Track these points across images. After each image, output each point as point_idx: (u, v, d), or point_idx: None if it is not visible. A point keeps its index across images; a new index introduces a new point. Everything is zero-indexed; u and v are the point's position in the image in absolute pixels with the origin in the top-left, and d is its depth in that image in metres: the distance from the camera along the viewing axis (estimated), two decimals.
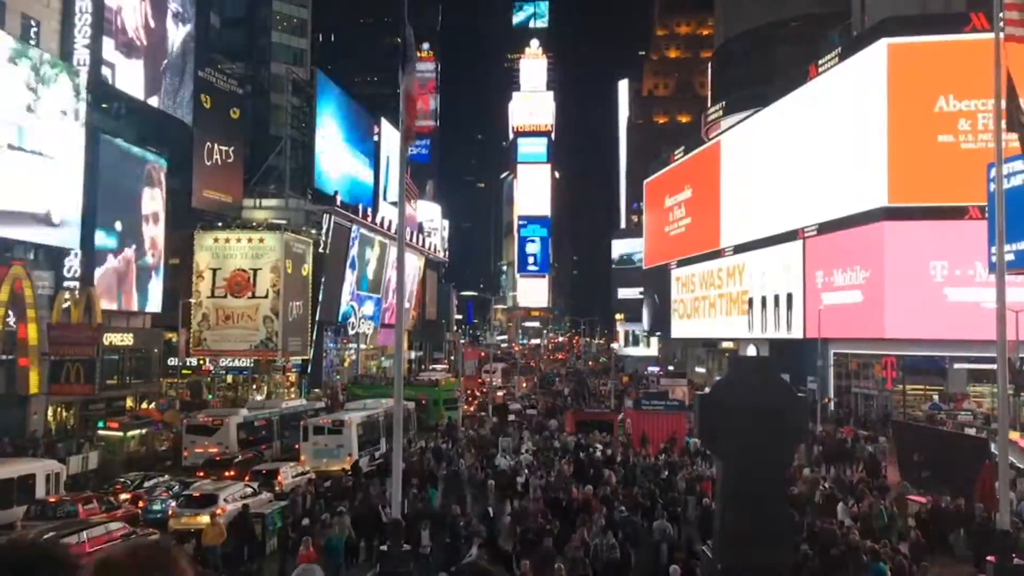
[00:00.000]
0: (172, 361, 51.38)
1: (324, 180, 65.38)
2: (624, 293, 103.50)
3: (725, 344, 64.60)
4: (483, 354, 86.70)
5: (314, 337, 59.55)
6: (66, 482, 26.70)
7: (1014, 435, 23.29)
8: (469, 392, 61.89)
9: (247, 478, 27.10)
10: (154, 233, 47.82)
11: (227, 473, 28.65)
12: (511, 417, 47.25)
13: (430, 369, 79.55)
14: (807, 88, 48.98)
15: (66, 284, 40.11)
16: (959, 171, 38.25)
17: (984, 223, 30.79)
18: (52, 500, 22.65)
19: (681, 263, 70.98)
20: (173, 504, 23.66)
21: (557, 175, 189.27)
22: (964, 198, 37.83)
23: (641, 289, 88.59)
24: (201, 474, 29.22)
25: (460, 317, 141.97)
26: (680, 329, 72.83)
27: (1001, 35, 15.14)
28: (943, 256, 40.06)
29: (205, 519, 21.05)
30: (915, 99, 40.84)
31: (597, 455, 29.87)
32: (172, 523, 22.07)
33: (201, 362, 53.94)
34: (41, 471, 24.58)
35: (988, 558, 15.25)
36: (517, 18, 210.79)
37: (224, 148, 56.09)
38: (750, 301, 56.87)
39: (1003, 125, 15.22)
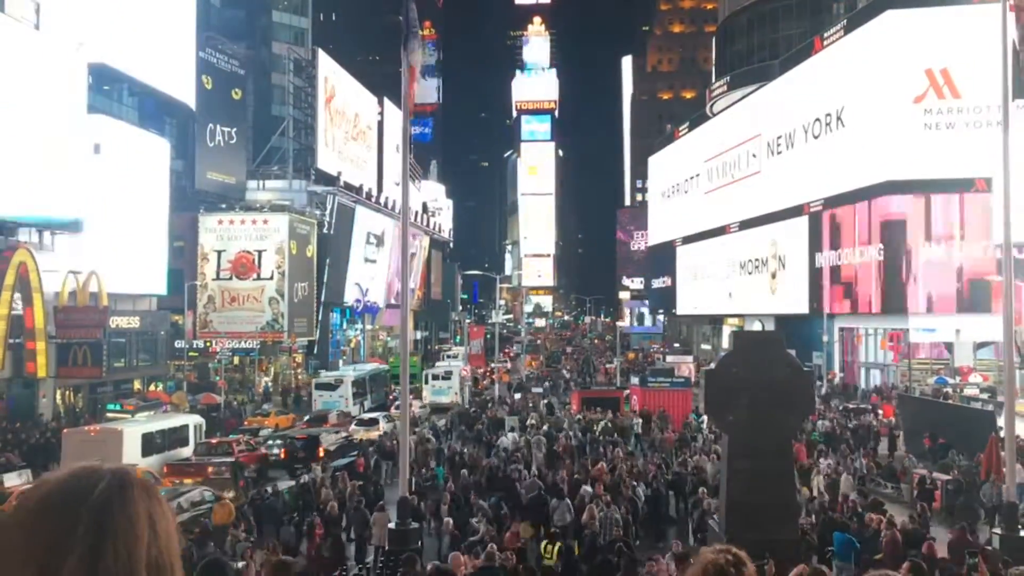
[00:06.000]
0: (179, 343, 51.51)
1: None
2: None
3: (731, 320, 64.52)
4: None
5: (320, 318, 59.65)
6: None
7: (1021, 407, 23.25)
8: (484, 372, 61.78)
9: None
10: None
11: (327, 423, 35.41)
12: (517, 396, 47.26)
13: (437, 349, 79.51)
14: (812, 61, 48.55)
15: (71, 267, 40.05)
16: (965, 143, 37.97)
17: (990, 195, 30.61)
18: (215, 442, 28.31)
19: (687, 240, 70.81)
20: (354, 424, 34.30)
21: (561, 153, 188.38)
22: (970, 170, 37.57)
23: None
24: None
25: (465, 296, 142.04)
26: (685, 306, 72.78)
27: (1008, 2, 14.95)
28: (949, 229, 39.87)
29: (374, 434, 31.78)
30: (921, 70, 40.40)
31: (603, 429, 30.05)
32: (353, 435, 31.69)
33: (208, 344, 54.04)
34: (192, 422, 30.00)
35: (994, 530, 15.30)
36: None
37: (226, 129, 55.89)
38: (753, 271, 56.75)
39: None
